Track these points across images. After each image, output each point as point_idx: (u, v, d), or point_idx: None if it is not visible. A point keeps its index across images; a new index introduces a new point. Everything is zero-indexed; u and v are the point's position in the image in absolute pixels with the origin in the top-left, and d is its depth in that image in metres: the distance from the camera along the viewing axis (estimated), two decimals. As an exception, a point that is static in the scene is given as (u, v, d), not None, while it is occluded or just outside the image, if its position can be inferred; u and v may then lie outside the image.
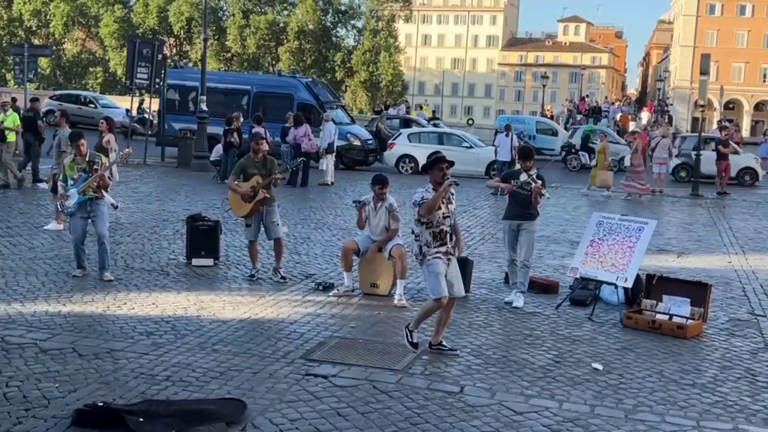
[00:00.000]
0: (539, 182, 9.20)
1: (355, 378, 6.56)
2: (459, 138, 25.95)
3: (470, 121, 52.01)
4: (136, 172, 20.00)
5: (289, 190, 18.53)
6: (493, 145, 24.13)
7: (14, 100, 20.29)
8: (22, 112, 18.91)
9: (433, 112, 45.18)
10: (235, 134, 19.50)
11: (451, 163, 7.34)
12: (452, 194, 7.39)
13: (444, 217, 7.23)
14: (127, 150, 10.31)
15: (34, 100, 20.08)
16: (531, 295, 9.63)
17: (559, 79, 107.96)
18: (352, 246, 9.50)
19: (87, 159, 9.47)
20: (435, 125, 34.15)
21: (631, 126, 38.63)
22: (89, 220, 9.50)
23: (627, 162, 20.54)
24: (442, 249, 7.19)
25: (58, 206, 9.82)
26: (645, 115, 50.66)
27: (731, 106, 77.26)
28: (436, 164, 7.23)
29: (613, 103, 55.80)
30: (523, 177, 9.29)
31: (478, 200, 18.66)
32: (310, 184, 19.63)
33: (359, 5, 68.78)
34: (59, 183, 9.77)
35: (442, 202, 7.21)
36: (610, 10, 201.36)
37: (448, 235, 7.24)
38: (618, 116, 45.50)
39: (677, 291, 8.95)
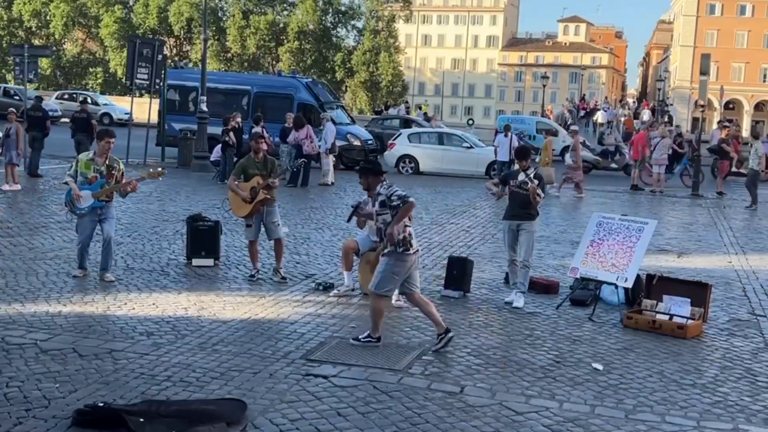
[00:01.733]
0: (536, 182, 9.20)
1: (356, 378, 6.56)
2: (459, 138, 25.96)
3: (470, 121, 51.99)
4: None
5: (290, 190, 18.54)
6: (493, 146, 24.16)
7: None
8: (27, 110, 19.39)
9: (425, 113, 44.93)
10: (231, 134, 19.52)
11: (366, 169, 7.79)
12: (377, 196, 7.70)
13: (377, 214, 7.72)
14: (160, 170, 10.03)
15: (39, 98, 20.38)
16: (531, 295, 9.63)
17: (559, 80, 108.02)
18: (352, 245, 9.50)
19: (107, 162, 9.30)
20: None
21: (635, 125, 38.68)
22: (98, 222, 9.39)
23: (567, 160, 20.83)
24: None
25: (66, 204, 9.53)
26: (646, 113, 50.73)
27: (731, 106, 77.22)
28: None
29: (635, 102, 55.96)
30: (521, 177, 9.30)
31: (478, 200, 18.67)
32: (310, 184, 19.64)
33: (359, 5, 68.87)
34: (68, 176, 9.39)
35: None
36: (610, 10, 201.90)
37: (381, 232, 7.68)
38: (615, 119, 45.67)
39: (677, 291, 8.95)
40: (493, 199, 18.57)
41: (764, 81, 79.61)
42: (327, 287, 9.53)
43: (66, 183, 9.47)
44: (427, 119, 39.68)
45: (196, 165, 21.73)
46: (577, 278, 9.63)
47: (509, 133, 22.43)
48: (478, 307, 9.15)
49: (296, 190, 18.97)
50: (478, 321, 8.57)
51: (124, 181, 9.38)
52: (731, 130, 28.68)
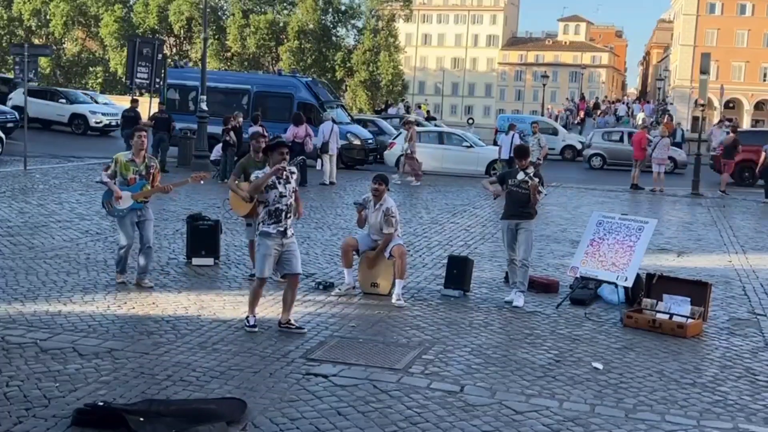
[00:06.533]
0: (536, 180, 9.18)
1: (356, 377, 6.56)
2: (459, 137, 25.95)
3: (470, 121, 51.96)
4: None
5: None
6: (496, 145, 24.24)
7: None
8: (123, 111, 19.83)
9: (428, 112, 45.00)
10: (231, 133, 19.52)
11: (290, 149, 8.13)
12: (291, 174, 7.90)
13: (280, 196, 7.69)
14: (202, 173, 9.61)
15: (134, 100, 20.73)
16: (531, 294, 9.63)
17: (559, 79, 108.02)
18: (352, 243, 9.51)
19: (144, 162, 9.12)
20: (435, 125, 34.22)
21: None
22: (137, 224, 9.19)
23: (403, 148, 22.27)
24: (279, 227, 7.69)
25: (104, 204, 9.30)
26: (638, 108, 50.88)
27: (731, 105, 77.21)
28: (276, 148, 7.81)
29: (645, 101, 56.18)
30: (520, 176, 9.29)
31: (478, 200, 18.66)
32: (310, 184, 19.61)
33: (359, 5, 68.77)
34: (105, 177, 9.15)
35: (279, 182, 7.72)
36: (610, 9, 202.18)
37: (283, 214, 7.71)
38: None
39: (677, 290, 8.95)
40: (491, 198, 18.67)
41: (764, 80, 79.56)
42: (327, 286, 9.53)
43: (104, 183, 9.22)
44: (429, 118, 39.60)
45: (196, 164, 21.69)
46: (577, 277, 9.63)
47: (512, 132, 22.55)
48: (478, 306, 9.15)
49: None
50: (478, 320, 8.57)
51: (158, 181, 9.25)
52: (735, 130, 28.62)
